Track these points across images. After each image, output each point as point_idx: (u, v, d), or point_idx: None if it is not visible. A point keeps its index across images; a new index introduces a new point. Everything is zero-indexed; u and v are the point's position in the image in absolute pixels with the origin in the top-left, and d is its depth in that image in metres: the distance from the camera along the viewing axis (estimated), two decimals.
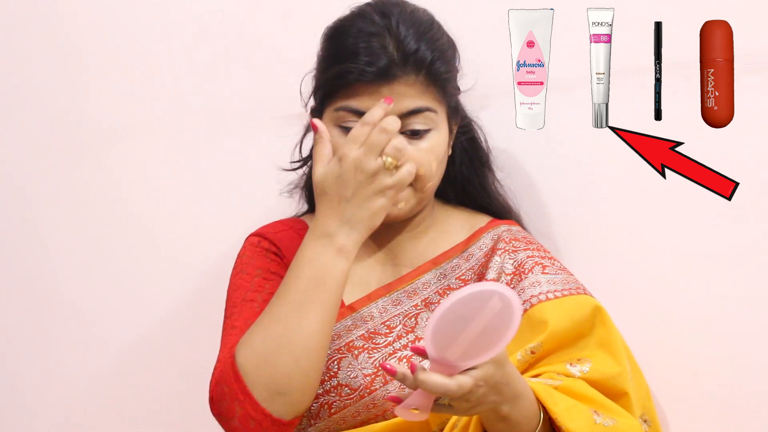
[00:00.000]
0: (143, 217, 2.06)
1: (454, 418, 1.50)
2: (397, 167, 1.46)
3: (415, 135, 1.54)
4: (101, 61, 2.06)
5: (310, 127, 1.69)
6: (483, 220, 1.70)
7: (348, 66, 1.52)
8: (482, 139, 1.73)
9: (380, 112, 1.46)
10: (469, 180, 1.71)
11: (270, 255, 1.63)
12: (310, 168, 1.73)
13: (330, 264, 1.45)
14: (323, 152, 1.49)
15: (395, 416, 1.52)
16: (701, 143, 1.71)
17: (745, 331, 1.71)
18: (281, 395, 1.43)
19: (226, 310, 1.61)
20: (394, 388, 1.54)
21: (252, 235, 1.68)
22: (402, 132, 1.53)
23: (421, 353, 1.31)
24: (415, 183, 1.55)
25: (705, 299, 1.72)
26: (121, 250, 2.07)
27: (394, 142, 1.45)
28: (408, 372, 1.31)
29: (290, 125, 1.88)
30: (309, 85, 1.65)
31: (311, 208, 1.76)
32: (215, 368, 1.50)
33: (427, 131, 1.55)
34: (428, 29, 1.56)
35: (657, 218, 1.74)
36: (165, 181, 2.04)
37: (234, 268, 1.65)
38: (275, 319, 1.45)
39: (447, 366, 1.29)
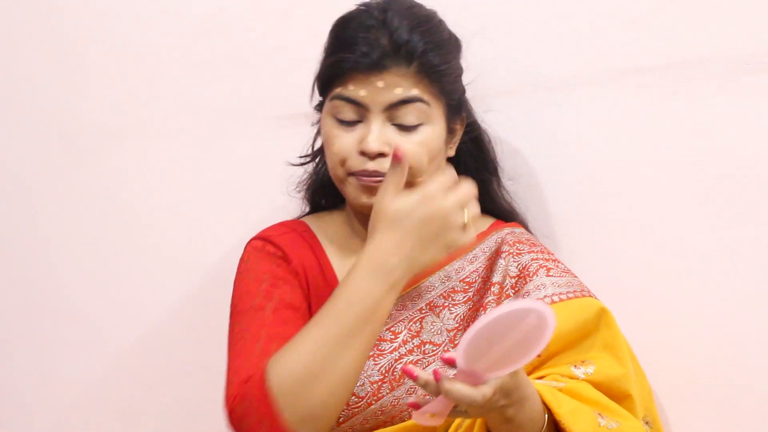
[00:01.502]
0: (143, 217, 2.05)
1: (458, 419, 1.50)
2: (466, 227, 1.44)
3: (404, 130, 1.54)
4: (102, 61, 2.05)
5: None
6: (487, 222, 1.70)
7: (343, 56, 1.53)
8: (487, 143, 1.72)
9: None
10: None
11: (276, 259, 1.61)
12: (315, 167, 1.74)
13: (382, 299, 1.41)
14: (398, 181, 1.43)
15: (402, 421, 1.54)
16: (701, 143, 1.71)
17: (745, 331, 1.71)
18: (312, 421, 1.40)
19: (232, 316, 1.57)
20: (401, 393, 1.54)
21: (254, 239, 1.66)
22: (393, 124, 1.54)
23: (450, 364, 1.31)
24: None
25: (705, 299, 1.73)
26: (121, 250, 2.07)
27: (472, 208, 1.44)
28: (431, 379, 1.31)
29: (291, 125, 1.89)
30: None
31: (313, 209, 1.76)
32: (232, 380, 1.47)
33: (418, 125, 1.55)
34: (424, 22, 1.56)
35: (659, 219, 1.75)
36: (165, 181, 2.03)
37: (238, 273, 1.62)
38: (318, 346, 1.40)
39: (473, 376, 1.29)
